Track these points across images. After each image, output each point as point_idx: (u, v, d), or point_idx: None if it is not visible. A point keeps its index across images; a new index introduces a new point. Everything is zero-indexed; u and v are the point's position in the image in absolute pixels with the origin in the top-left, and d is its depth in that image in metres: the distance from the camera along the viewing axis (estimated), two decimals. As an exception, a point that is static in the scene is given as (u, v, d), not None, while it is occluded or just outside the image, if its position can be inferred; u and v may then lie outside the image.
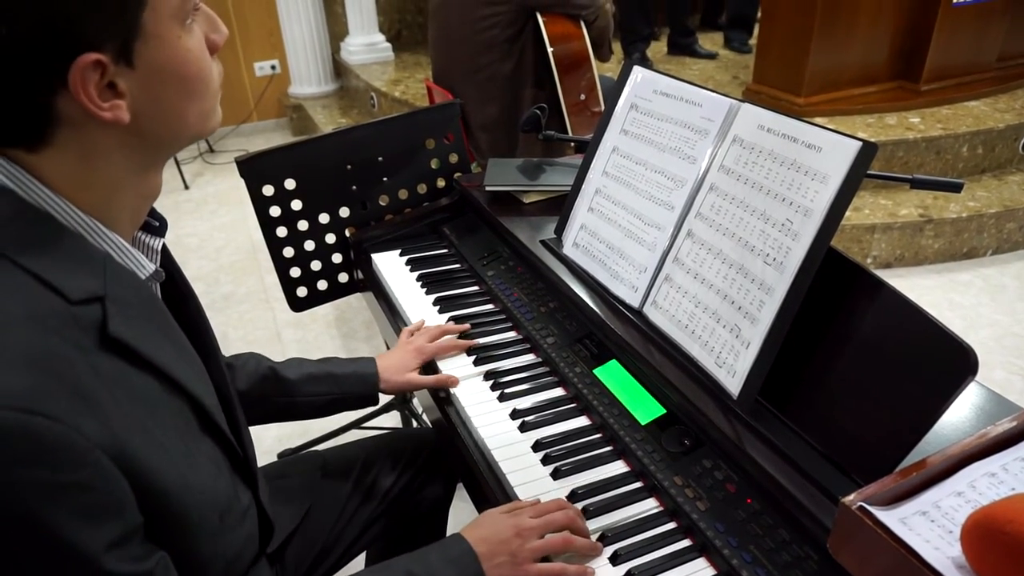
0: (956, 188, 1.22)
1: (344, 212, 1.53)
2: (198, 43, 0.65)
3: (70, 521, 0.55)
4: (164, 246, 0.77)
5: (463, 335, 1.25)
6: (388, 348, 1.84)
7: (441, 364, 1.20)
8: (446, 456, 1.23)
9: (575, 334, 1.19)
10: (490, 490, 0.98)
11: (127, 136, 0.63)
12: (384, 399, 2.08)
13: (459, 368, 1.18)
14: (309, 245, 1.52)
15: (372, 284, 1.48)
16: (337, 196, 1.52)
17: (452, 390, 1.14)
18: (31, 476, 0.53)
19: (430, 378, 1.17)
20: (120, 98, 0.60)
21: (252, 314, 2.83)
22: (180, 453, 0.66)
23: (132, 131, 0.63)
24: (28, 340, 0.56)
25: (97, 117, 0.59)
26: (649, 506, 0.93)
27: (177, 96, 0.64)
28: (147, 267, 0.70)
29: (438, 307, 1.34)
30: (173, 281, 0.80)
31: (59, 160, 0.61)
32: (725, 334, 0.96)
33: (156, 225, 0.75)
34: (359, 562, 1.26)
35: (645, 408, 1.03)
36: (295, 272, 1.53)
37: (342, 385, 1.14)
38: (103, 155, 0.63)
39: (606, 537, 0.88)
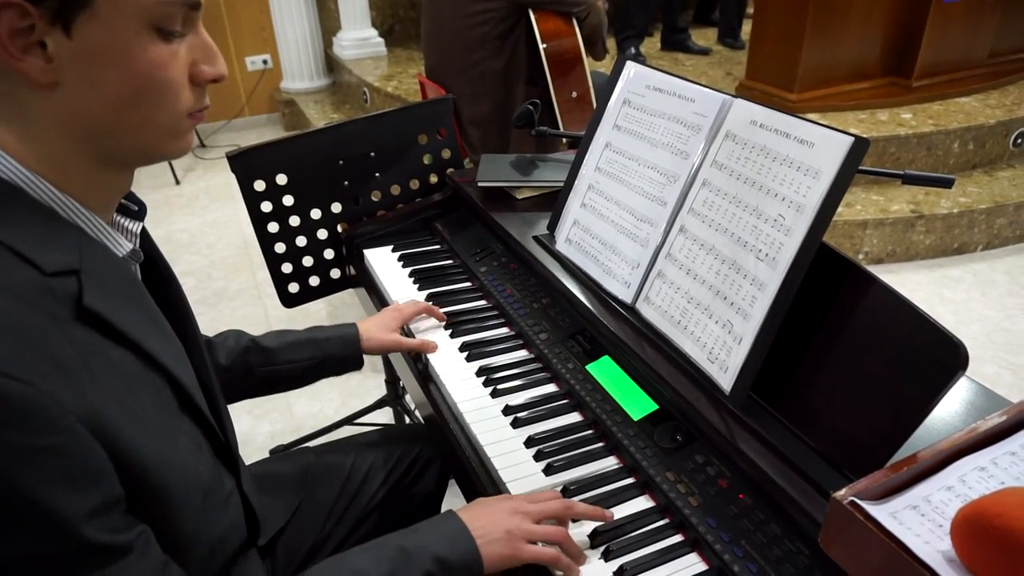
0: (947, 184, 1.22)
1: (336, 208, 1.53)
2: (166, 56, 0.63)
3: (47, 486, 0.55)
4: (144, 230, 0.77)
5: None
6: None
7: (433, 359, 1.19)
8: (438, 452, 1.23)
9: (568, 330, 1.19)
10: (482, 486, 0.98)
11: (59, 109, 0.61)
12: (376, 395, 2.08)
13: (451, 364, 1.18)
14: (301, 241, 1.51)
15: (364, 280, 1.48)
16: (329, 191, 1.51)
17: (445, 387, 1.13)
18: (6, 437, 0.53)
19: (413, 341, 1.21)
20: (45, 60, 0.59)
21: (244, 310, 2.82)
22: (159, 429, 0.66)
23: (64, 106, 0.61)
24: (3, 307, 0.56)
25: (9, 64, 0.58)
26: (641, 502, 0.93)
27: (116, 89, 0.62)
28: (124, 246, 0.70)
29: (431, 303, 1.34)
30: (155, 265, 0.80)
31: (3, 121, 0.61)
32: (717, 330, 0.97)
33: (135, 209, 0.75)
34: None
35: (637, 404, 1.03)
36: (287, 268, 1.52)
37: (324, 348, 1.14)
38: (37, 119, 0.62)
39: (598, 533, 0.88)
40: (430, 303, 1.29)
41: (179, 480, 0.67)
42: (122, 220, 0.73)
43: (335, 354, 1.15)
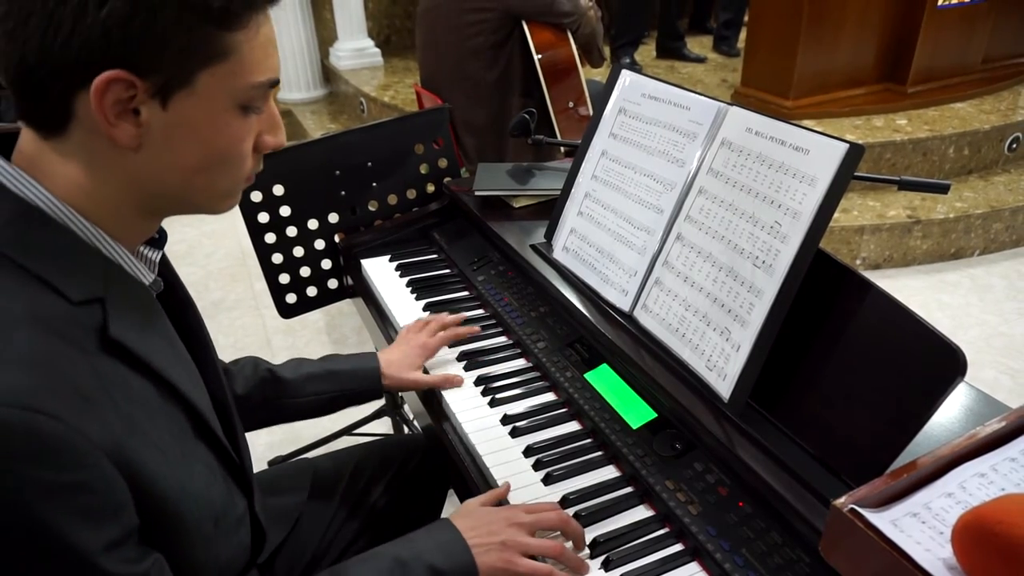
0: (943, 189, 1.23)
1: (333, 217, 1.53)
2: (244, 131, 0.67)
3: (69, 521, 0.55)
4: (164, 256, 0.77)
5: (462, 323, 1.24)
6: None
7: (432, 370, 1.19)
8: (437, 462, 1.22)
9: (566, 338, 1.19)
10: (481, 496, 0.98)
11: (134, 169, 0.64)
12: (374, 405, 2.08)
13: (449, 372, 1.18)
14: (298, 251, 1.51)
15: (362, 290, 1.47)
16: (326, 201, 1.51)
17: (443, 396, 1.13)
18: (32, 474, 0.53)
19: (435, 377, 1.15)
20: (136, 126, 0.61)
21: (242, 321, 2.81)
22: (177, 458, 0.66)
23: (140, 167, 0.64)
24: (31, 340, 0.57)
25: (101, 127, 0.60)
26: (641, 511, 0.92)
27: (194, 158, 0.65)
28: (146, 276, 0.71)
29: (428, 312, 1.34)
30: (173, 289, 0.80)
31: (69, 157, 0.62)
32: (715, 337, 0.96)
33: (156, 237, 0.76)
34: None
35: (636, 412, 1.03)
36: (284, 278, 1.52)
37: (343, 382, 1.12)
38: (107, 172, 0.64)
39: (598, 542, 0.87)
40: (458, 327, 1.22)
41: (193, 509, 0.67)
42: (143, 249, 0.73)
43: (354, 389, 1.13)
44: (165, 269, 0.79)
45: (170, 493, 0.63)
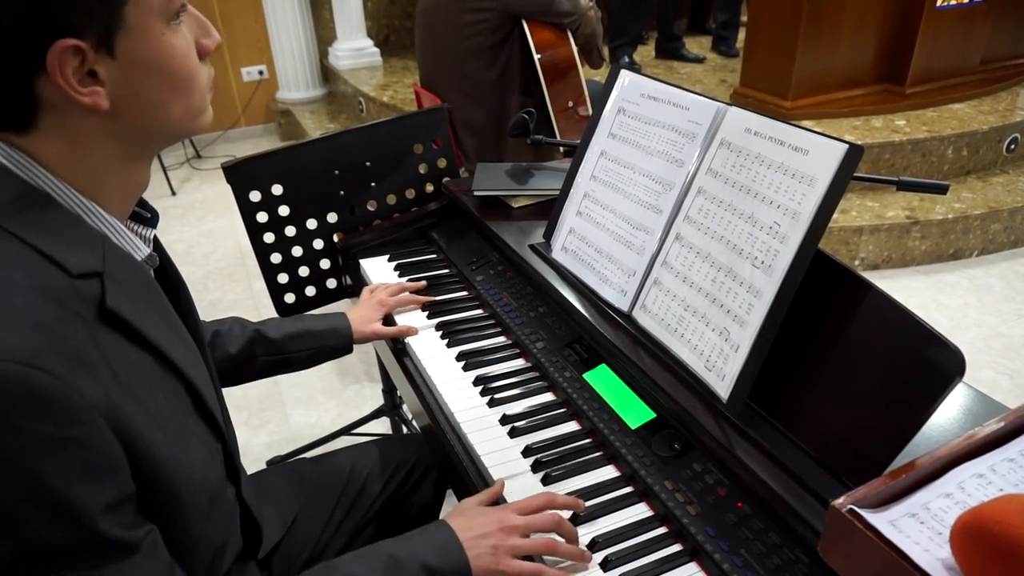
0: (942, 190, 1.23)
1: (332, 217, 1.52)
2: (183, 42, 0.68)
3: (67, 476, 0.57)
4: (156, 237, 0.79)
5: (420, 292, 1.36)
6: (377, 354, 1.83)
7: (430, 368, 1.19)
8: (435, 462, 1.22)
9: (564, 338, 1.19)
10: (480, 496, 0.97)
11: (111, 124, 0.65)
12: (373, 404, 2.08)
13: (448, 373, 1.18)
14: (297, 251, 1.51)
15: (360, 289, 1.47)
16: (325, 201, 1.51)
17: (442, 396, 1.13)
18: (31, 426, 0.55)
19: (391, 329, 1.28)
20: (100, 85, 0.63)
21: (240, 320, 2.81)
22: (175, 430, 0.68)
23: (116, 119, 0.65)
24: (32, 304, 0.58)
25: (75, 101, 0.62)
26: (639, 511, 0.92)
27: (159, 90, 0.66)
28: (143, 250, 0.73)
29: (426, 312, 1.34)
30: (165, 272, 0.82)
31: (48, 144, 0.64)
32: (714, 337, 0.96)
33: (148, 216, 0.78)
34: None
35: (635, 412, 1.03)
36: (283, 278, 1.52)
37: (320, 340, 1.23)
38: (89, 141, 0.65)
39: (597, 543, 0.87)
40: (404, 280, 1.38)
41: (188, 482, 0.68)
42: (136, 227, 0.75)
43: (331, 345, 1.24)
44: (159, 251, 0.80)
45: (164, 463, 0.65)
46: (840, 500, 0.63)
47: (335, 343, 1.24)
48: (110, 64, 0.62)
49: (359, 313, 1.28)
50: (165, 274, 0.81)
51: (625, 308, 1.12)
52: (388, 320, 1.32)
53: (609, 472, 0.98)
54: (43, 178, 0.64)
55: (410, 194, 1.60)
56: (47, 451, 0.56)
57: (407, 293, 1.34)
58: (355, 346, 1.28)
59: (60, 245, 0.62)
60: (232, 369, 1.14)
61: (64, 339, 0.58)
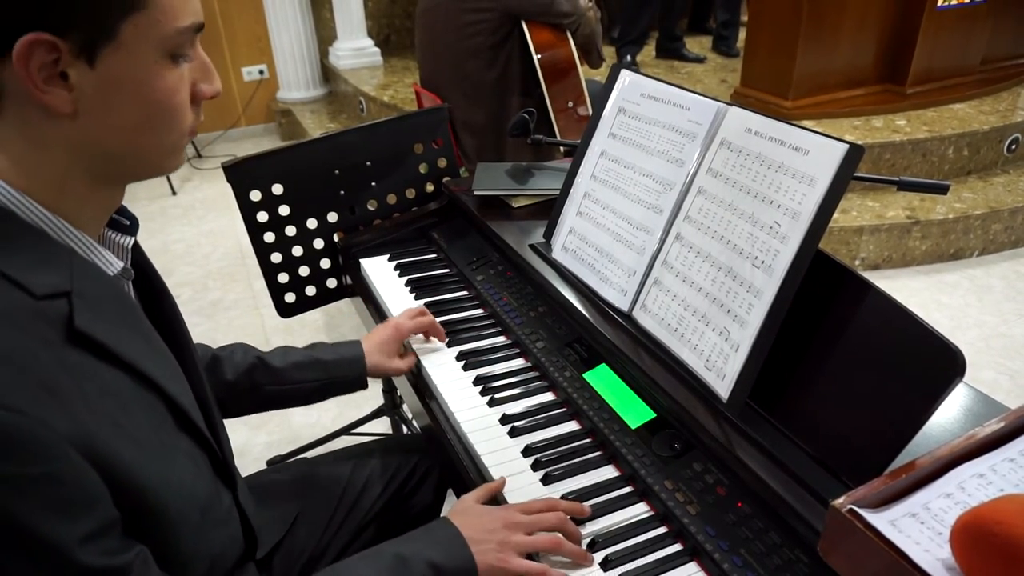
0: (942, 190, 1.23)
1: (332, 217, 1.52)
2: (175, 79, 0.65)
3: (40, 514, 0.55)
4: (136, 244, 0.76)
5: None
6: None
7: (430, 369, 1.19)
8: (436, 462, 1.22)
9: (564, 338, 1.19)
10: (480, 496, 0.97)
11: (73, 133, 0.63)
12: (373, 404, 2.08)
13: (448, 373, 1.18)
14: (297, 250, 1.51)
15: (361, 289, 1.47)
16: (325, 201, 1.51)
17: (442, 396, 1.13)
18: None
19: (408, 360, 1.20)
20: (67, 90, 0.60)
21: (241, 320, 2.81)
22: (156, 449, 0.66)
23: (79, 130, 0.62)
24: None
25: (33, 96, 0.59)
26: (640, 510, 0.92)
27: (131, 114, 0.64)
28: (115, 264, 0.70)
29: (430, 317, 1.33)
30: (147, 279, 0.79)
31: (6, 141, 0.61)
32: (714, 337, 0.96)
33: (127, 224, 0.75)
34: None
35: (635, 412, 1.03)
36: (283, 278, 1.52)
37: (330, 371, 1.14)
38: (50, 147, 0.63)
39: (597, 542, 0.87)
40: (429, 317, 1.24)
41: (176, 499, 0.67)
42: (113, 235, 0.73)
43: (341, 377, 1.14)
44: (139, 258, 0.78)
45: (150, 484, 0.63)
46: (840, 500, 0.63)
47: (347, 374, 1.14)
48: (86, 72, 0.60)
49: (375, 341, 1.18)
50: (146, 281, 0.79)
51: (625, 308, 1.11)
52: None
53: (609, 472, 0.98)
54: (4, 192, 0.61)
55: (410, 194, 1.60)
56: (17, 491, 0.54)
57: (428, 317, 1.24)
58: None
59: (23, 265, 0.60)
60: (230, 399, 1.07)
61: (27, 368, 0.56)
